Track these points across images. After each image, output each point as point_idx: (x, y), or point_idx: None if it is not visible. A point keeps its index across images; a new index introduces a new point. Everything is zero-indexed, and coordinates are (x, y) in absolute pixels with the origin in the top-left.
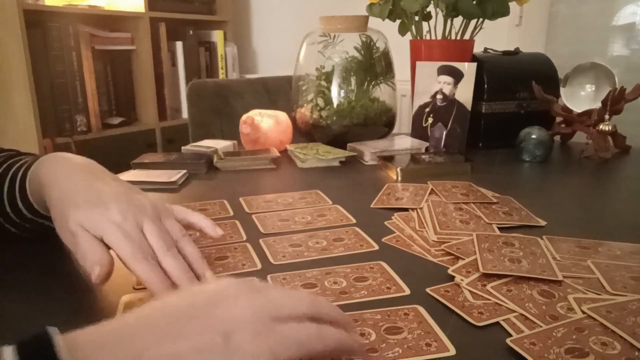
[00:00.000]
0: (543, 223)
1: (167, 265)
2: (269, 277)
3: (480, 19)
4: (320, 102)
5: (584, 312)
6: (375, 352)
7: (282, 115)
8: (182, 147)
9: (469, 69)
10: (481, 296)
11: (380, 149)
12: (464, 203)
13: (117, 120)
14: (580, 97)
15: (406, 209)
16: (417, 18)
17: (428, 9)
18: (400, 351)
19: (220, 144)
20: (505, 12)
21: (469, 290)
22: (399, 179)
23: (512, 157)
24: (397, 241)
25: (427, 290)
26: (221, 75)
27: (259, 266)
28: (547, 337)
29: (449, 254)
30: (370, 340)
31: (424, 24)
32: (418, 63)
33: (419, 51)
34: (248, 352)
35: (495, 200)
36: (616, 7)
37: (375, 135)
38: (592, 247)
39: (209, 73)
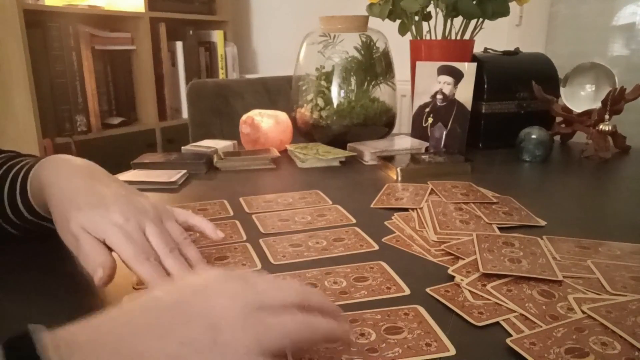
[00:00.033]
0: (543, 223)
1: (169, 266)
2: None
3: (480, 19)
4: (320, 102)
5: (584, 312)
6: (375, 352)
7: (282, 115)
8: (182, 147)
9: (469, 69)
10: (481, 296)
11: (380, 149)
12: (464, 203)
13: (117, 120)
14: (580, 97)
15: (406, 209)
16: (417, 18)
17: (428, 9)
18: (400, 351)
19: (220, 144)
20: (505, 12)
21: (469, 290)
22: (399, 179)
23: (512, 157)
24: (397, 241)
25: (427, 290)
26: (221, 75)
27: (259, 266)
28: (547, 337)
29: (449, 254)
30: (370, 340)
31: (424, 24)
32: (418, 63)
33: (419, 51)
34: (235, 343)
35: (495, 200)
36: (616, 7)
37: (375, 135)
38: (592, 247)
39: (209, 73)
